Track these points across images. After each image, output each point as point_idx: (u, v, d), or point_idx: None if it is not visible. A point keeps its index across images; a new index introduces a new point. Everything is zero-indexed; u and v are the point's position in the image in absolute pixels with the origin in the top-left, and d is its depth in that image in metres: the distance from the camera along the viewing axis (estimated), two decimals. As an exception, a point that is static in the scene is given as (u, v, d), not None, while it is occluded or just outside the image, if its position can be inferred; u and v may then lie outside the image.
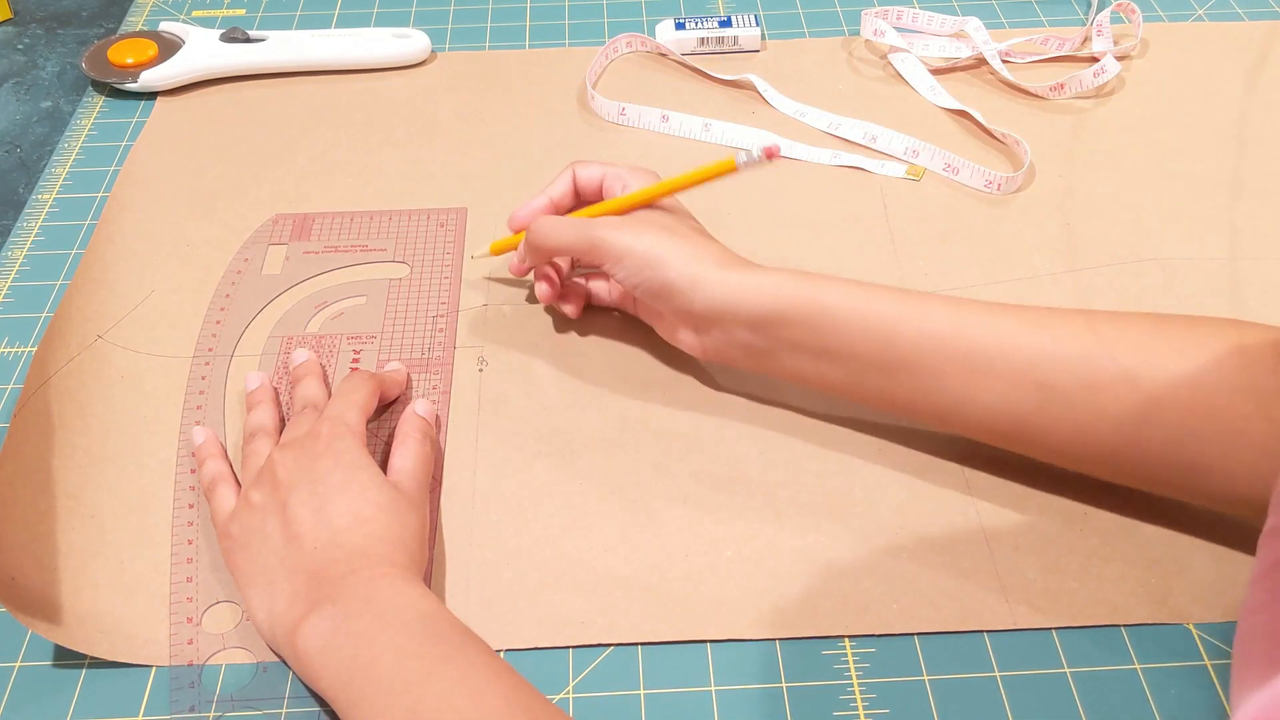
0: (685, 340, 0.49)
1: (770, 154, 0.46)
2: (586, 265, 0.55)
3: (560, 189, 0.53)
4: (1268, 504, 0.37)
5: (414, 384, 0.52)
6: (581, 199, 0.53)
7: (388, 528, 0.42)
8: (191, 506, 0.47)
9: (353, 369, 0.51)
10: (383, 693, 0.36)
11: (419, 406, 0.49)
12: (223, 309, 0.55)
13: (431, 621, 0.39)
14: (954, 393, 0.43)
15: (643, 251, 0.47)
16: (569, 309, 0.54)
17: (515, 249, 0.53)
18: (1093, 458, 0.43)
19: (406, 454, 0.46)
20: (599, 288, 0.54)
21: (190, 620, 0.43)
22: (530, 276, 0.55)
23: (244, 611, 0.43)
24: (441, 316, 0.55)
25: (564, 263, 0.54)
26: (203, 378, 0.52)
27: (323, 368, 0.51)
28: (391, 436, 0.48)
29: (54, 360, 0.52)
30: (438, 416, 0.50)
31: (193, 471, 0.48)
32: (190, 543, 0.46)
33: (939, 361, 0.43)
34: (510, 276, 0.56)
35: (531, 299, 0.56)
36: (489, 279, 0.57)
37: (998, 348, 0.42)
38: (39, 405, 0.50)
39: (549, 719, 0.36)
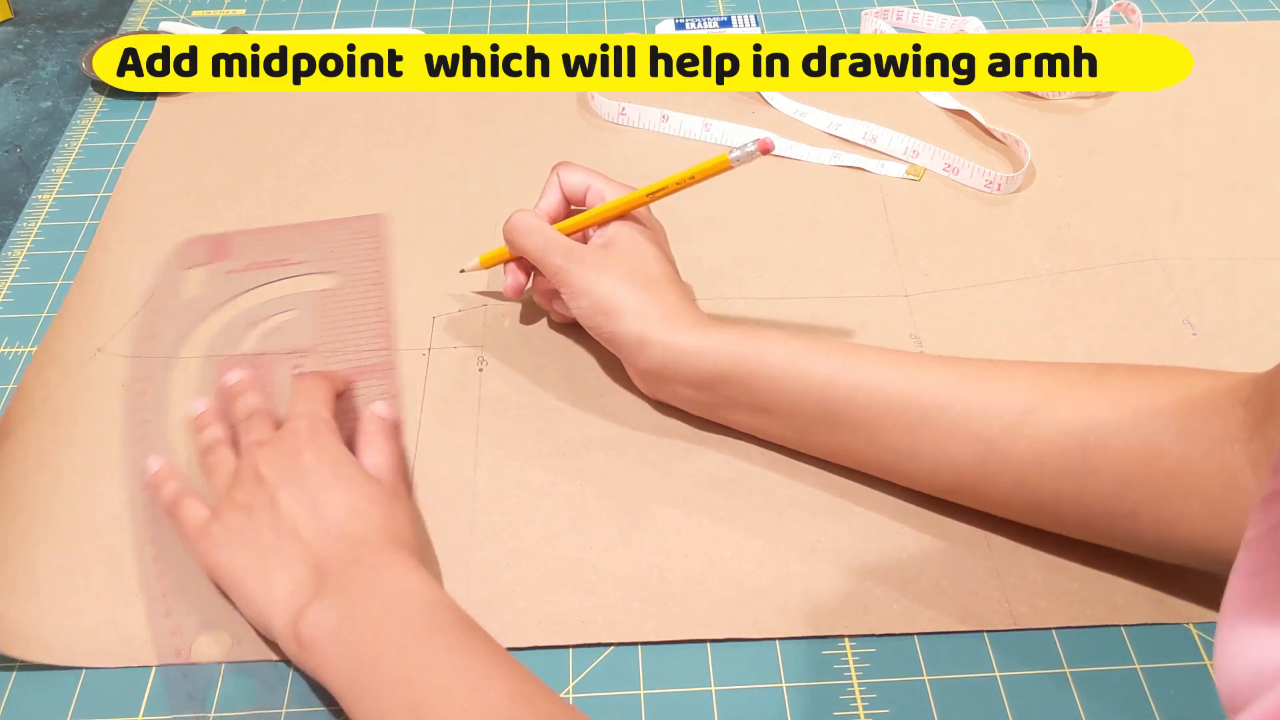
0: (636, 381, 0.50)
1: (765, 148, 0.46)
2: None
3: (550, 201, 0.52)
4: (1213, 553, 0.39)
5: (360, 390, 0.51)
6: (569, 203, 0.53)
7: (385, 518, 0.42)
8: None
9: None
10: (387, 685, 0.36)
11: (379, 409, 0.48)
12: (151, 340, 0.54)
13: (436, 611, 0.39)
14: (892, 446, 0.44)
15: (598, 298, 0.47)
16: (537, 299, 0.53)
17: (501, 260, 0.53)
18: (1033, 509, 0.43)
19: (377, 452, 0.46)
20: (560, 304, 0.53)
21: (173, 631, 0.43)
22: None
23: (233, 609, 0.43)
24: (380, 321, 0.55)
25: None
26: (142, 413, 0.51)
27: (260, 380, 0.51)
28: (351, 439, 0.47)
29: (48, 378, 0.52)
30: (398, 418, 0.50)
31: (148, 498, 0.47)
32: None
33: (874, 416, 0.44)
34: (496, 275, 0.56)
35: (530, 305, 0.56)
36: (490, 278, 0.57)
37: (934, 401, 0.43)
38: (32, 428, 0.50)
39: (552, 711, 0.36)
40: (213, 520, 0.43)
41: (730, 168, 0.48)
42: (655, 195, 0.50)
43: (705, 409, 0.49)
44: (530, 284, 0.53)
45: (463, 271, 0.56)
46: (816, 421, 0.45)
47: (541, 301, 0.54)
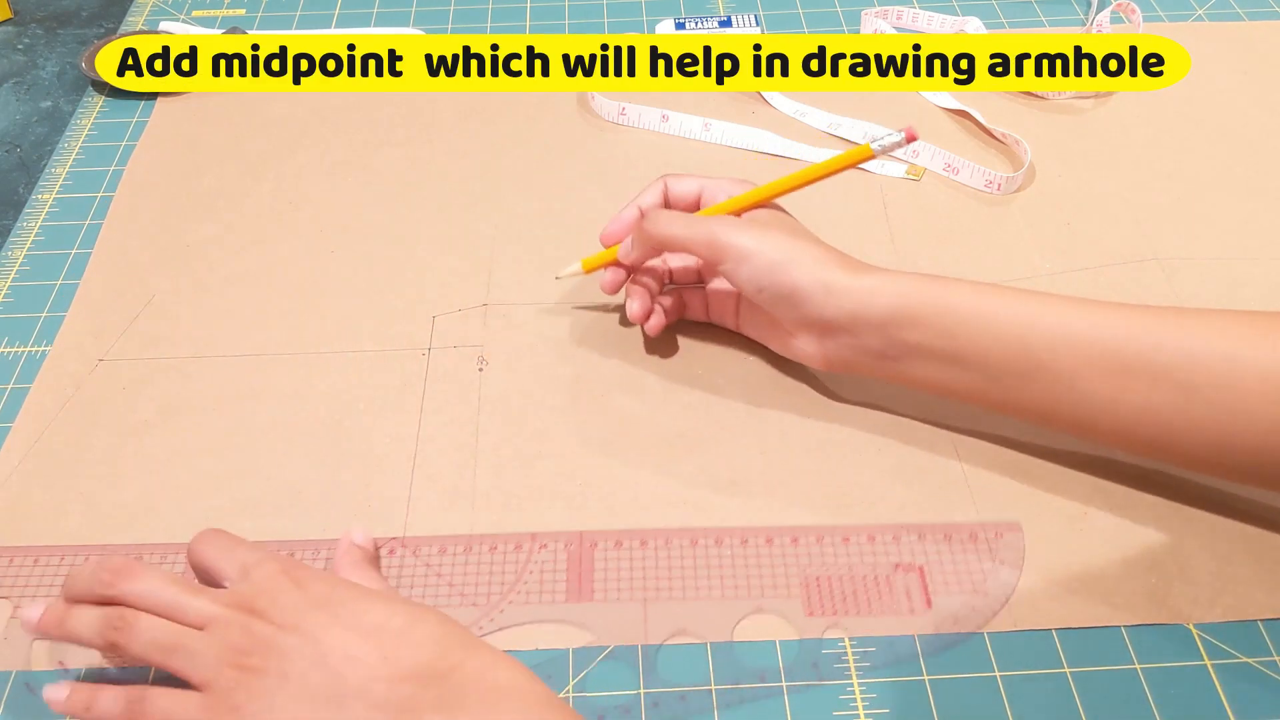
0: (804, 349, 0.48)
1: (911, 137, 0.46)
2: (680, 278, 0.53)
3: (650, 199, 0.51)
4: None
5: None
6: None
7: (440, 618, 0.38)
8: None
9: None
10: None
11: (356, 536, 0.44)
12: None
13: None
14: (1091, 396, 0.42)
15: (769, 253, 0.45)
16: (653, 324, 0.51)
17: (607, 265, 0.52)
18: (1235, 461, 0.42)
19: (368, 581, 0.42)
20: (695, 299, 0.53)
21: None
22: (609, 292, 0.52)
23: None
24: None
25: (655, 280, 0.52)
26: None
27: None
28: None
29: (59, 388, 0.52)
30: (375, 543, 0.45)
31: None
32: None
33: (1076, 364, 0.42)
34: (509, 268, 0.56)
35: (530, 305, 0.56)
36: (489, 279, 0.57)
37: (1136, 349, 0.41)
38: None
39: None
40: (223, 699, 0.36)
41: (874, 157, 0.47)
42: (794, 186, 0.49)
43: (887, 362, 0.46)
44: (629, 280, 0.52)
45: (558, 279, 0.55)
46: (1010, 371, 0.43)
47: (654, 320, 0.51)
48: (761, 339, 0.51)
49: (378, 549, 0.45)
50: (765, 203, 0.49)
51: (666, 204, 0.51)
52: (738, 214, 0.49)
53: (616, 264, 0.52)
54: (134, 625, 0.37)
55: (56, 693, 0.38)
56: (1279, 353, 0.39)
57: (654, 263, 0.52)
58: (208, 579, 0.40)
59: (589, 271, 0.54)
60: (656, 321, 0.51)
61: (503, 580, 0.44)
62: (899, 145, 0.46)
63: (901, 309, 0.44)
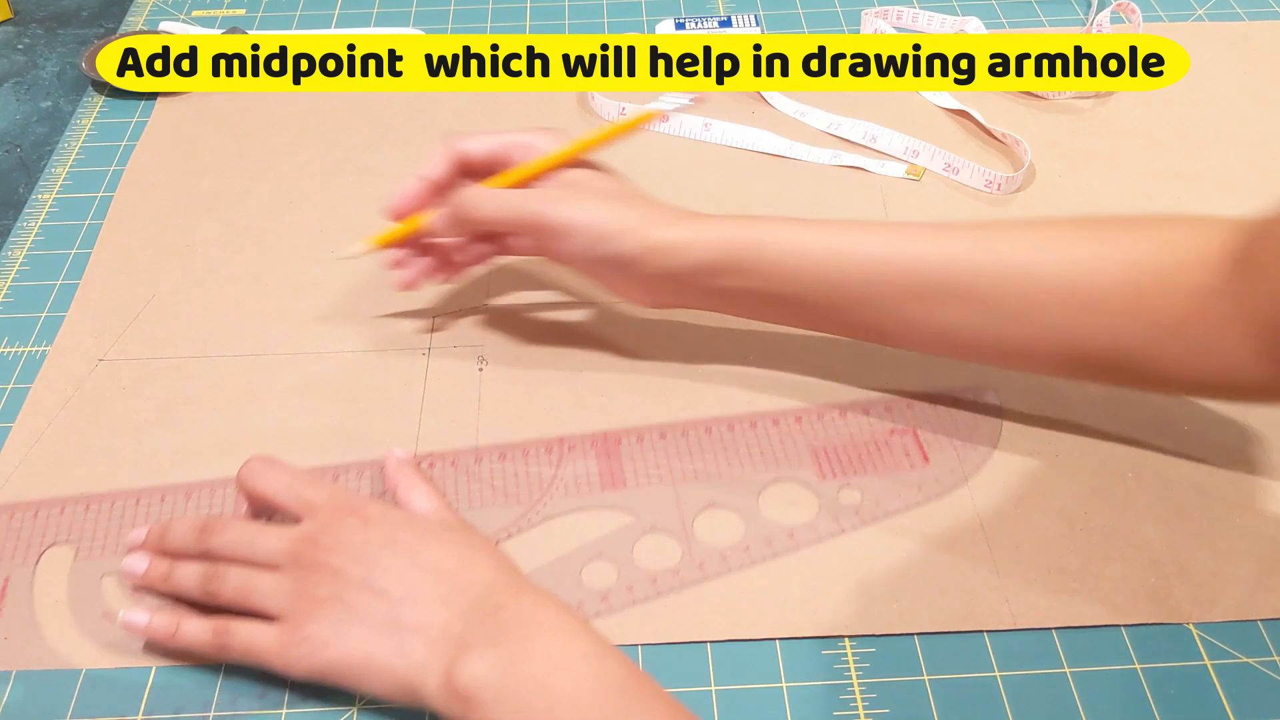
0: (635, 297, 0.49)
1: (697, 100, 0.49)
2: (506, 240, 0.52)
3: (437, 169, 0.50)
4: (1198, 389, 0.44)
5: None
6: (473, 175, 0.50)
7: (491, 560, 0.41)
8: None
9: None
10: None
11: (398, 453, 0.47)
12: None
13: (600, 663, 0.37)
14: (903, 319, 0.45)
15: (590, 224, 0.46)
16: (440, 277, 0.52)
17: (400, 240, 0.51)
18: (1037, 362, 0.45)
19: (423, 496, 0.45)
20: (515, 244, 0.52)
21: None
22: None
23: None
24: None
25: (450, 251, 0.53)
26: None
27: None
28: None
29: (59, 388, 0.52)
30: (416, 459, 0.48)
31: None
32: None
33: (886, 292, 0.44)
34: (509, 268, 0.55)
35: (530, 306, 0.56)
36: (489, 279, 0.57)
37: (942, 274, 0.44)
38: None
39: None
40: (296, 628, 0.40)
41: (666, 117, 0.48)
42: (595, 143, 0.49)
43: (713, 300, 0.48)
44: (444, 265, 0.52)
45: (340, 258, 0.52)
46: (826, 303, 0.46)
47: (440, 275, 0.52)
48: (592, 280, 0.50)
49: (418, 463, 0.48)
50: (579, 159, 0.49)
51: (462, 167, 0.50)
52: (554, 170, 0.48)
53: (411, 243, 0.51)
54: (224, 577, 0.41)
55: (137, 618, 0.42)
56: (1069, 263, 0.42)
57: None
58: (263, 508, 0.45)
59: (380, 248, 0.52)
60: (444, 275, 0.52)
61: (540, 479, 0.48)
62: (689, 108, 0.49)
63: (722, 258, 0.46)
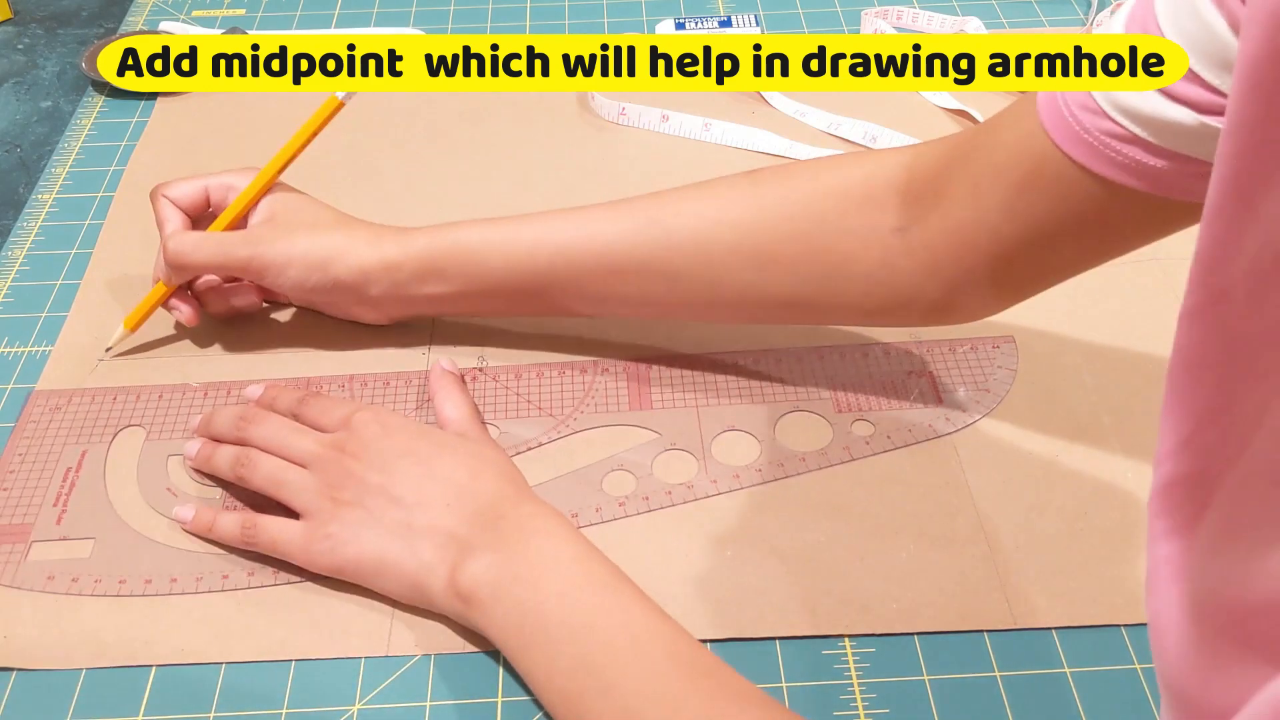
0: (362, 315, 0.52)
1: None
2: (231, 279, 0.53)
3: (174, 225, 0.51)
4: (874, 320, 0.48)
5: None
6: (193, 218, 0.52)
7: (500, 472, 0.44)
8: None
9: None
10: (551, 641, 0.38)
11: (445, 363, 0.50)
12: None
13: (590, 564, 0.40)
14: (595, 295, 0.49)
15: (303, 255, 0.49)
16: (188, 315, 0.52)
17: (150, 310, 0.52)
18: (727, 315, 0.50)
19: (455, 404, 0.48)
20: (242, 296, 0.53)
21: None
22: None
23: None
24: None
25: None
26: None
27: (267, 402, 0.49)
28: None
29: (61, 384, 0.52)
30: (459, 371, 0.51)
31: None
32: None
33: (576, 274, 0.48)
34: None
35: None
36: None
37: (622, 250, 0.47)
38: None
39: (707, 668, 0.38)
40: (319, 526, 0.43)
41: (343, 105, 0.51)
42: (286, 162, 0.51)
43: (434, 306, 0.51)
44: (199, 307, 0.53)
45: (110, 351, 0.53)
46: (525, 291, 0.49)
47: (216, 306, 0.53)
48: (317, 308, 0.53)
49: (461, 376, 0.51)
50: (271, 182, 0.51)
51: (180, 212, 0.51)
52: (255, 203, 0.51)
53: (168, 295, 0.52)
54: (256, 463, 0.45)
55: (185, 512, 0.46)
56: (735, 225, 0.46)
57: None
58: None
59: (139, 321, 0.52)
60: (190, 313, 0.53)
61: (573, 396, 0.51)
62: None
63: (426, 266, 0.49)
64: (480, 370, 0.53)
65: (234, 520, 0.45)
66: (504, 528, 0.42)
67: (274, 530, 0.44)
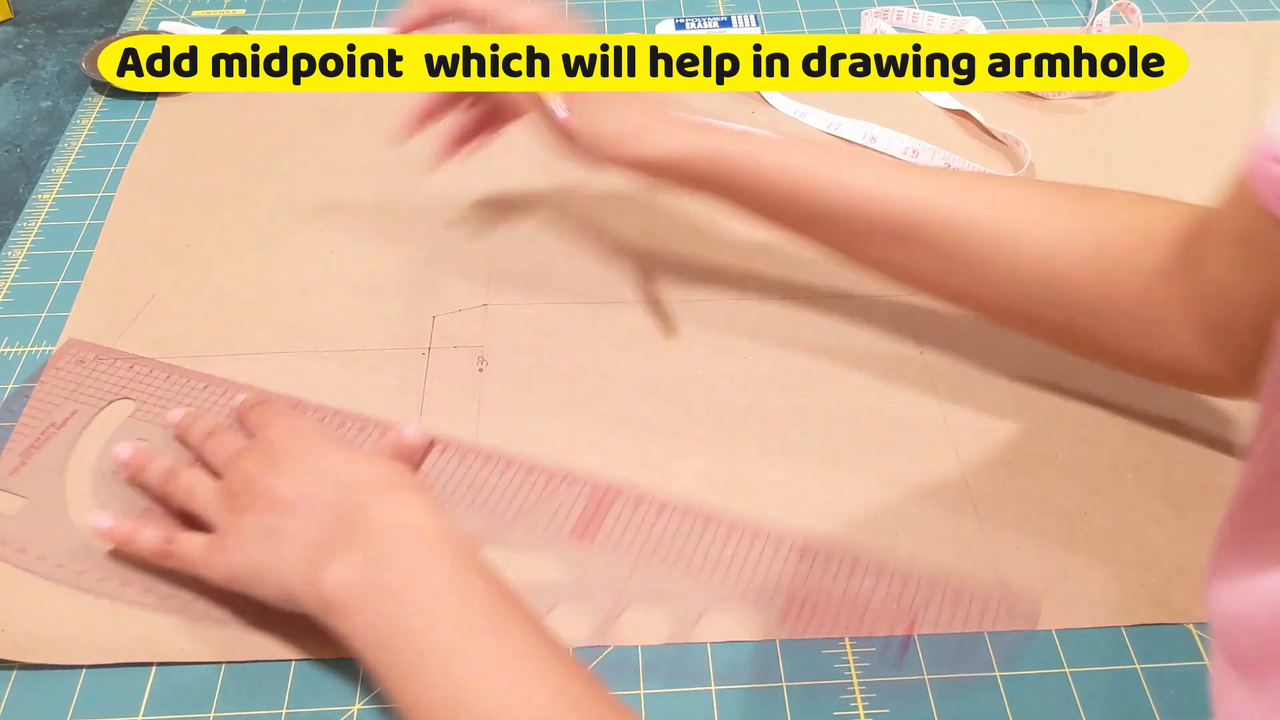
0: (594, 166, 0.50)
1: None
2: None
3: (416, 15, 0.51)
4: (1138, 366, 0.45)
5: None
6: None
7: (380, 465, 0.43)
8: None
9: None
10: (421, 666, 0.35)
11: (408, 434, 0.47)
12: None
13: (464, 578, 0.38)
14: (875, 254, 0.46)
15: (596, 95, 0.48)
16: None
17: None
18: (996, 314, 0.47)
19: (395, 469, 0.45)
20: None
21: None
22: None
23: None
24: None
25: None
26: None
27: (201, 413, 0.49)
28: None
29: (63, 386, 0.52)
30: (431, 440, 0.49)
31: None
32: None
33: (866, 224, 0.45)
34: (509, 268, 0.55)
35: (528, 305, 0.56)
36: (489, 279, 0.57)
37: (915, 217, 0.44)
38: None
39: (597, 712, 0.35)
40: (219, 537, 0.42)
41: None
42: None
43: (694, 190, 0.49)
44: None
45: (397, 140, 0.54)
46: (807, 223, 0.47)
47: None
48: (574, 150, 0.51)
49: (430, 444, 0.49)
50: None
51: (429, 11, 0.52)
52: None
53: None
54: (176, 477, 0.44)
55: (102, 521, 0.43)
56: (1033, 226, 0.43)
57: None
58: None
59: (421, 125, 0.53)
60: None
61: (524, 500, 0.47)
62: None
63: (710, 165, 0.47)
64: (481, 367, 0.53)
65: (155, 532, 0.43)
66: (365, 518, 0.39)
67: (186, 542, 0.42)
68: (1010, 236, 0.44)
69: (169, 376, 0.52)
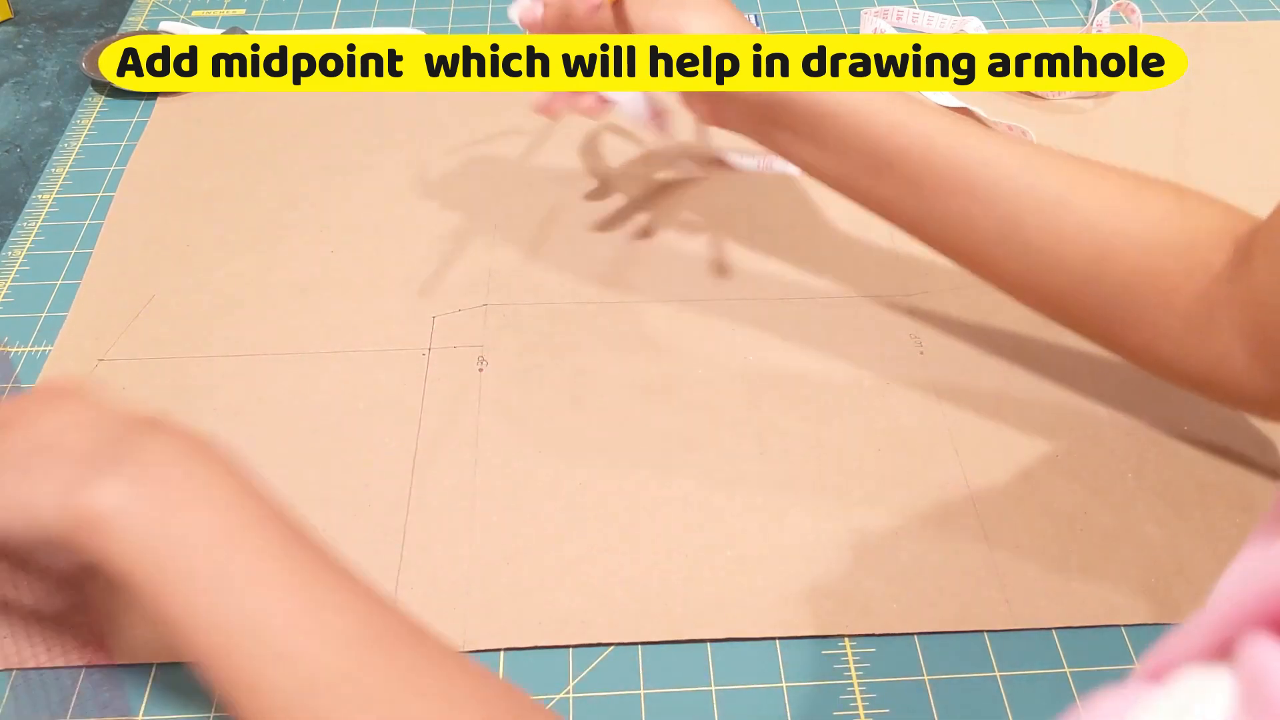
0: (696, 107, 0.51)
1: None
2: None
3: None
4: (1179, 370, 0.43)
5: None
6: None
7: (169, 423, 0.36)
8: None
9: None
10: (203, 588, 0.32)
11: None
12: None
13: (255, 501, 0.34)
14: (929, 206, 0.45)
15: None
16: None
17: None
18: (1040, 297, 0.45)
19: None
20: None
21: None
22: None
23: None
24: None
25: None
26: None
27: None
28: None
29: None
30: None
31: None
32: None
33: (923, 172, 0.44)
34: (509, 268, 0.55)
35: (526, 303, 0.56)
36: (489, 279, 0.57)
37: (980, 173, 0.43)
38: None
39: (401, 636, 0.32)
40: None
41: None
42: None
43: (765, 131, 0.50)
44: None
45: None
46: (866, 168, 0.46)
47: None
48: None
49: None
50: None
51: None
52: None
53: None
54: None
55: None
56: (1104, 209, 0.42)
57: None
58: None
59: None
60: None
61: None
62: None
63: (783, 97, 0.48)
64: (481, 367, 0.53)
65: None
66: (141, 443, 0.34)
67: None
68: (1075, 205, 0.42)
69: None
